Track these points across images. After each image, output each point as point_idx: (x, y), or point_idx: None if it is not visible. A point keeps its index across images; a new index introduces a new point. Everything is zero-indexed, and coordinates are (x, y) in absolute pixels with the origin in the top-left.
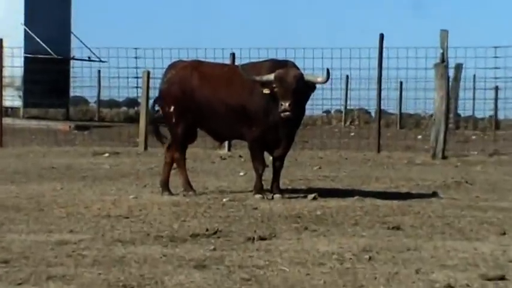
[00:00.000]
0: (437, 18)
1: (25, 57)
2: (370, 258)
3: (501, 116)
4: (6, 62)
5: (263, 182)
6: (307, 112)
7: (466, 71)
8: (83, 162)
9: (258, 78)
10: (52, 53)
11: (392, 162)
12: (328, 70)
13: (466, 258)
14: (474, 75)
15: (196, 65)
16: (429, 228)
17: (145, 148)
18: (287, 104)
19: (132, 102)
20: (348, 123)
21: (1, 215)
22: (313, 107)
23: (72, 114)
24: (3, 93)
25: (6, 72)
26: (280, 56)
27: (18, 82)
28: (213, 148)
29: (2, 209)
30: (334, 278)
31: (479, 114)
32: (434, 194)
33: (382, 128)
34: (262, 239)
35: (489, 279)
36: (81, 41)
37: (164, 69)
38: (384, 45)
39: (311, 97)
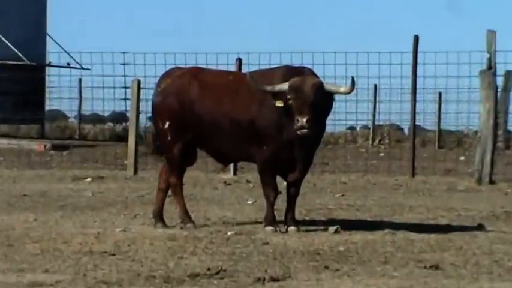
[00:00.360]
0: (482, 17)
1: None
2: None
3: None
4: None
5: (275, 212)
6: (328, 128)
7: None
8: (60, 189)
9: (269, 88)
10: (24, 58)
11: (429, 188)
12: (353, 78)
13: None
14: None
15: (196, 73)
16: (474, 267)
17: (135, 172)
18: (304, 120)
19: (119, 117)
20: (376, 141)
21: None
22: (335, 122)
23: (48, 132)
24: None
25: None
26: (296, 62)
27: None
28: (216, 171)
29: None
30: None
31: None
32: (479, 227)
33: (417, 147)
34: (274, 280)
35: None
36: (58, 45)
37: (158, 78)
38: (419, 49)
39: (332, 110)
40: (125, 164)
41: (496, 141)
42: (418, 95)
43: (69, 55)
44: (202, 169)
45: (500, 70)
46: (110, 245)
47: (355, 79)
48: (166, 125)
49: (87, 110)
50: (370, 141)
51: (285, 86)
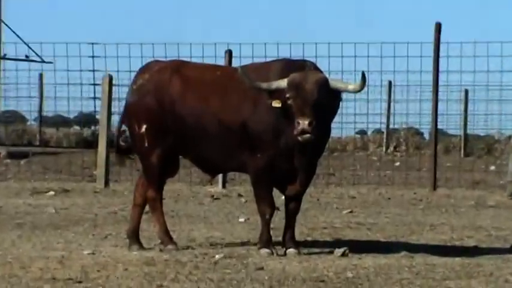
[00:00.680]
0: None
1: None
2: None
3: None
4: None
5: (272, 232)
6: (334, 133)
7: None
8: (18, 204)
9: (264, 85)
10: None
11: (453, 203)
12: (363, 74)
13: None
14: None
15: (178, 67)
16: None
17: (106, 184)
18: (306, 122)
19: (87, 120)
20: (391, 148)
21: None
22: (343, 125)
23: (3, 137)
24: None
25: None
26: (296, 55)
27: None
28: (202, 184)
29: None
30: None
31: None
32: None
33: (439, 155)
34: None
35: None
36: (15, 33)
37: (133, 73)
38: (442, 39)
39: (339, 112)
40: (94, 174)
41: None
42: (440, 93)
43: (28, 46)
44: (185, 181)
45: None
46: (76, 271)
47: (366, 74)
48: (143, 128)
49: (49, 111)
50: (384, 148)
51: (283, 82)
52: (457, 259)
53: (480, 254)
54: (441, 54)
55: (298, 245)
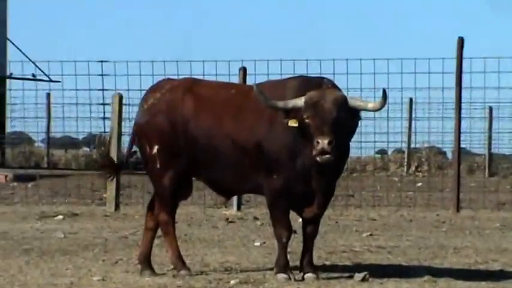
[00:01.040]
0: None
1: None
2: None
3: None
4: None
5: (289, 256)
6: (353, 153)
7: None
8: (25, 229)
9: (280, 104)
10: None
11: (478, 225)
12: (384, 91)
13: None
14: None
15: (191, 85)
16: None
17: (117, 207)
18: (326, 141)
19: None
20: (412, 168)
21: None
22: (362, 145)
23: (9, 159)
24: None
25: None
26: (313, 72)
27: None
28: (216, 206)
29: None
30: None
31: None
32: None
33: (462, 175)
34: None
35: None
36: (22, 52)
37: (144, 92)
38: (465, 55)
39: (358, 130)
40: (104, 197)
41: None
42: (463, 111)
43: (35, 65)
44: (199, 204)
45: None
46: None
47: (387, 92)
48: (155, 149)
49: (57, 131)
50: (405, 168)
51: (300, 101)
52: (482, 283)
53: (506, 278)
54: (464, 70)
55: (316, 269)
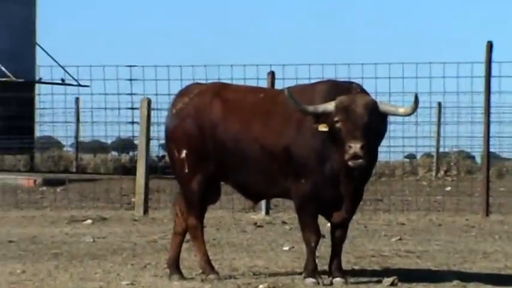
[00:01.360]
0: None
1: None
2: None
3: None
4: None
5: (317, 260)
6: (382, 157)
7: None
8: (54, 233)
9: (311, 108)
10: (8, 73)
11: (507, 230)
12: (416, 96)
13: None
14: None
15: (219, 90)
16: None
17: (145, 211)
18: (358, 146)
19: (125, 145)
20: (441, 173)
21: None
22: (390, 149)
23: (38, 163)
24: None
25: None
26: (341, 76)
27: None
28: (244, 211)
29: None
30: None
31: None
32: None
33: (492, 179)
34: None
35: None
36: (51, 57)
37: (172, 97)
38: (494, 59)
39: (386, 135)
40: (133, 202)
41: None
42: (492, 115)
43: (64, 69)
44: (227, 208)
45: None
46: None
47: (418, 97)
48: (183, 154)
49: (86, 136)
50: (434, 173)
51: (330, 106)
52: None
53: None
54: (493, 74)
55: (345, 274)
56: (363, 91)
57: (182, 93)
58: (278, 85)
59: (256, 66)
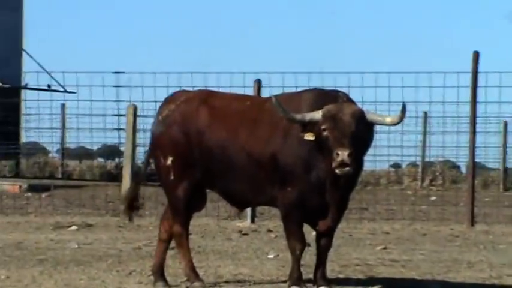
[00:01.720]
0: None
1: None
2: None
3: None
4: None
5: (302, 269)
6: (367, 166)
7: None
8: (39, 239)
9: (298, 117)
10: None
11: (492, 240)
12: (404, 106)
13: None
14: None
15: (206, 97)
16: None
17: (131, 218)
18: (346, 153)
19: (111, 152)
20: (426, 182)
21: None
22: (376, 158)
23: (24, 169)
24: None
25: None
26: (328, 85)
27: None
28: (230, 218)
29: None
30: None
31: None
32: None
33: (477, 189)
34: None
35: None
36: (37, 63)
37: (159, 104)
38: (480, 69)
39: (372, 144)
40: (118, 208)
41: None
42: (478, 125)
43: (50, 75)
44: (212, 215)
45: None
46: None
47: (405, 106)
48: (169, 160)
49: (71, 142)
50: (419, 182)
51: (317, 114)
52: None
53: None
54: (479, 84)
55: (329, 282)
56: (349, 100)
57: (169, 100)
58: (264, 93)
59: (242, 74)
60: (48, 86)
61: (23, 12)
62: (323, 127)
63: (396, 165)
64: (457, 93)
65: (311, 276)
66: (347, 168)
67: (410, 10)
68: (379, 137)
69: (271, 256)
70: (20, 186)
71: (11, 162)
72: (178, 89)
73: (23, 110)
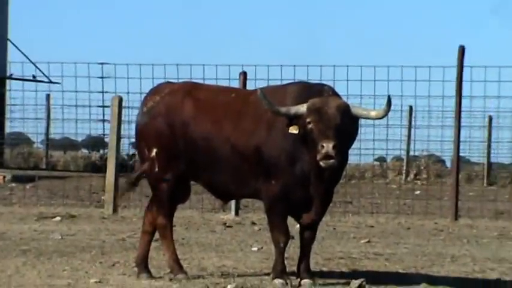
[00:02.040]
0: None
1: None
2: None
3: None
4: None
5: (286, 261)
6: (352, 159)
7: None
8: (23, 230)
9: (283, 110)
10: None
11: (476, 234)
12: (389, 99)
13: None
14: None
15: (190, 89)
16: None
17: (115, 210)
18: (331, 145)
19: (95, 143)
20: (411, 176)
21: None
22: (361, 152)
23: (8, 160)
24: None
25: None
26: (313, 78)
27: None
28: (214, 211)
29: None
30: None
31: None
32: None
33: (461, 184)
34: None
35: None
36: (22, 53)
37: (143, 95)
38: (465, 63)
39: (357, 138)
40: (102, 200)
41: None
42: (463, 120)
43: (35, 66)
44: (196, 208)
45: None
46: None
47: (391, 99)
48: (153, 152)
49: (56, 133)
50: (404, 176)
51: (302, 107)
52: None
53: (503, 287)
54: (464, 78)
55: (313, 275)
56: (335, 93)
57: (153, 91)
58: (250, 85)
59: (228, 66)
60: (33, 76)
61: (8, 1)
62: (308, 120)
63: (381, 159)
64: (442, 87)
65: (295, 268)
66: (332, 161)
67: (396, 4)
68: (364, 131)
69: (255, 249)
70: (4, 177)
71: None
72: (163, 80)
73: (8, 101)
